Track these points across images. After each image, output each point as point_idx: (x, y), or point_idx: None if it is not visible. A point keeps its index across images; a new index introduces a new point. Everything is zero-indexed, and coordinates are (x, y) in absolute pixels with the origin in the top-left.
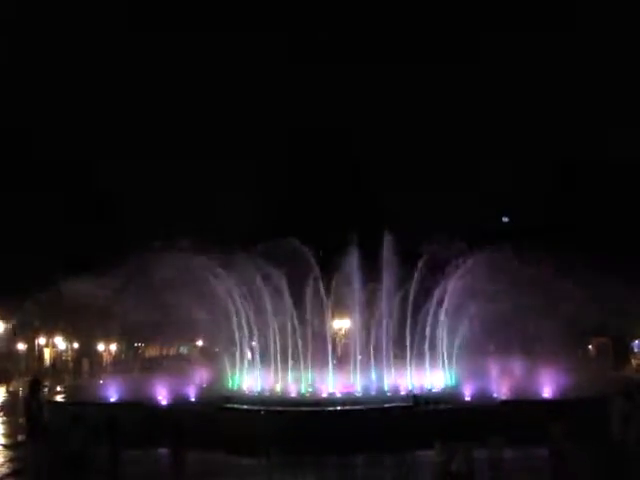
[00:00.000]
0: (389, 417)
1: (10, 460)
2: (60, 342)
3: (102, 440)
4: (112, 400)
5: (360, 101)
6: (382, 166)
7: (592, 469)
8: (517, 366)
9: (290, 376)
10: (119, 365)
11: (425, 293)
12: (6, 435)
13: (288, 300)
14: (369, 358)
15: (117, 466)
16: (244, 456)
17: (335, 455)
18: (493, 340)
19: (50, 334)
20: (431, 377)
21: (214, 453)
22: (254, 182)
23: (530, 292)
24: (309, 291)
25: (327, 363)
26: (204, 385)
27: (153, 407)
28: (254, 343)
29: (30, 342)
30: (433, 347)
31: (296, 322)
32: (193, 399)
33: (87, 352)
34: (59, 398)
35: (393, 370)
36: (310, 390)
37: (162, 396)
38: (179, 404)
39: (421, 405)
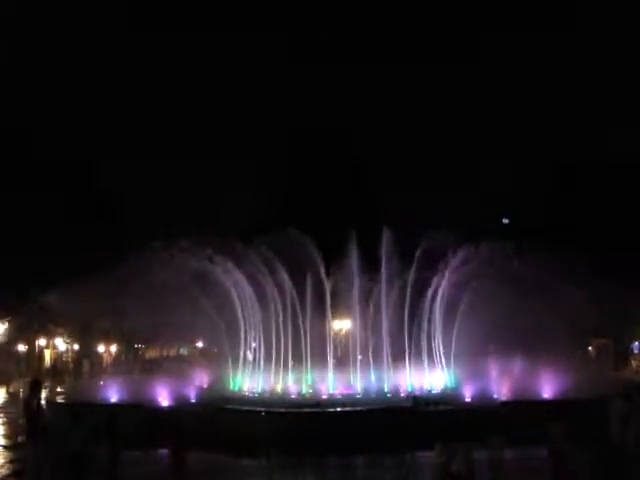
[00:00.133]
0: (389, 418)
1: (10, 461)
2: (60, 343)
3: (102, 441)
4: (112, 401)
5: (360, 101)
6: (382, 166)
7: (591, 470)
8: (517, 367)
9: (290, 377)
10: (119, 366)
11: (423, 289)
12: (6, 436)
13: (289, 300)
14: (369, 359)
15: (117, 466)
16: (244, 457)
17: (335, 456)
18: (493, 340)
19: (50, 335)
20: (431, 378)
21: (214, 454)
22: (254, 182)
23: (530, 292)
24: (309, 291)
25: (327, 364)
26: (204, 386)
27: (153, 408)
28: (254, 344)
29: (30, 343)
30: (433, 348)
31: (300, 322)
32: (193, 400)
33: (87, 353)
34: (59, 399)
35: (392, 371)
36: (310, 391)
37: (162, 397)
38: (179, 405)
39: (421, 406)
